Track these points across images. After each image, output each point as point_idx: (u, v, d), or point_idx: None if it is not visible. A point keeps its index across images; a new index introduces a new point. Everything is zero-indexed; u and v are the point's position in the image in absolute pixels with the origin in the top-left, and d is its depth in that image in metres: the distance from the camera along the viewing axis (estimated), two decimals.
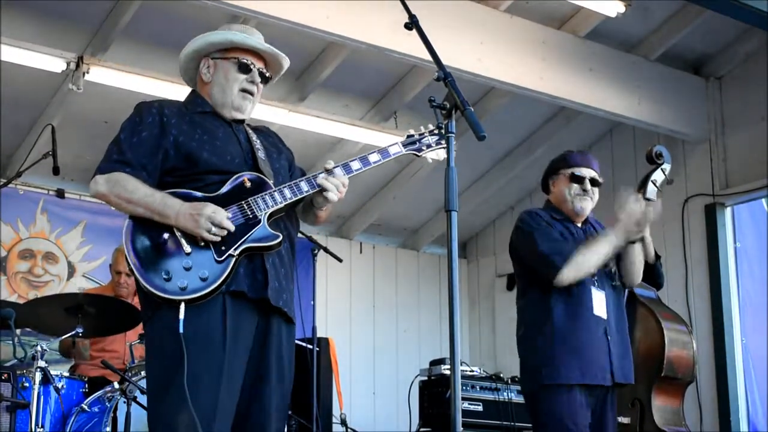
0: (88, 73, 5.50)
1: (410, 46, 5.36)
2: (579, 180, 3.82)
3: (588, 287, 3.68)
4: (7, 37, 5.28)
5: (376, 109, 6.99)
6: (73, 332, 4.47)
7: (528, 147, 7.64)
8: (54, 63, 5.49)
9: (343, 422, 6.09)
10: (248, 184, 2.81)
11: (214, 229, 2.66)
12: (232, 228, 2.69)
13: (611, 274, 3.81)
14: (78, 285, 6.63)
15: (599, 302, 3.70)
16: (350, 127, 6.69)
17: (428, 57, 2.68)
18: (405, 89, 6.76)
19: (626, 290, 4.00)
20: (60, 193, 6.78)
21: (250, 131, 3.00)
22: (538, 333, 3.69)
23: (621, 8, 5.99)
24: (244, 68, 2.95)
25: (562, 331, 3.62)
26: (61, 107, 6.05)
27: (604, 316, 3.69)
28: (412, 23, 2.68)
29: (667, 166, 4.04)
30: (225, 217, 2.68)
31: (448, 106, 2.56)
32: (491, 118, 6.90)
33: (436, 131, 2.98)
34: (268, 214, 2.78)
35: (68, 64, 5.48)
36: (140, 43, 5.93)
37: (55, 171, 4.47)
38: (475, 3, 5.98)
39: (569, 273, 3.61)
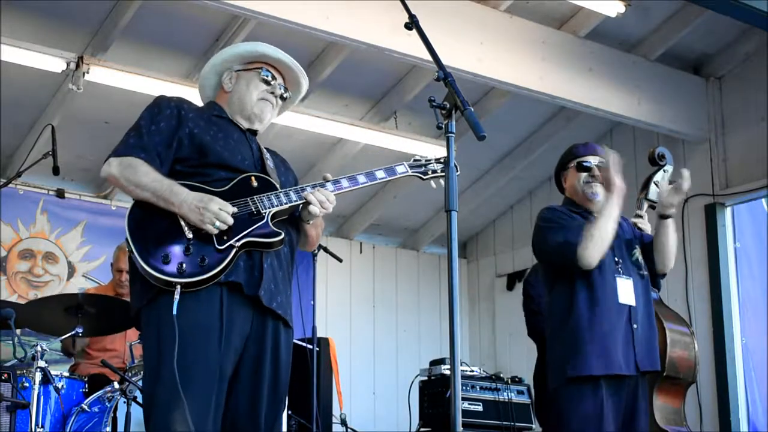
0: (88, 73, 5.50)
1: (410, 46, 5.37)
2: (586, 168, 3.87)
3: (612, 275, 3.70)
4: (7, 37, 5.28)
5: (376, 109, 6.99)
6: (73, 332, 4.47)
7: (528, 147, 7.65)
8: (54, 63, 5.49)
9: (343, 422, 6.09)
10: (255, 183, 2.85)
11: (217, 223, 2.68)
12: (231, 221, 2.71)
13: (638, 263, 3.83)
14: (78, 285, 6.63)
15: (626, 289, 3.71)
16: (350, 127, 6.68)
17: (428, 57, 2.68)
18: (405, 89, 6.76)
19: (658, 280, 4.00)
20: (60, 193, 6.79)
21: (262, 146, 3.06)
22: (562, 327, 3.70)
23: (621, 8, 5.99)
24: (268, 79, 3.02)
25: (585, 322, 3.63)
26: (61, 107, 6.05)
27: (632, 302, 3.70)
28: (412, 23, 2.68)
29: (669, 168, 4.05)
30: (229, 215, 2.70)
31: (448, 106, 2.56)
32: (491, 118, 6.90)
33: (442, 160, 3.03)
34: (272, 213, 2.80)
35: (68, 64, 5.47)
36: (140, 43, 5.93)
37: (55, 171, 4.47)
38: (475, 3, 5.98)
39: (588, 246, 3.61)
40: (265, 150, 3.04)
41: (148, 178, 2.73)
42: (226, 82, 3.04)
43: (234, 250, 2.70)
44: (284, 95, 3.08)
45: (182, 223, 2.70)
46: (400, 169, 3.04)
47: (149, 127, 2.84)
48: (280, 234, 2.79)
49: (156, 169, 2.77)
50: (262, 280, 2.75)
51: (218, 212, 2.68)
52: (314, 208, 2.86)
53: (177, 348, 2.57)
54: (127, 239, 2.71)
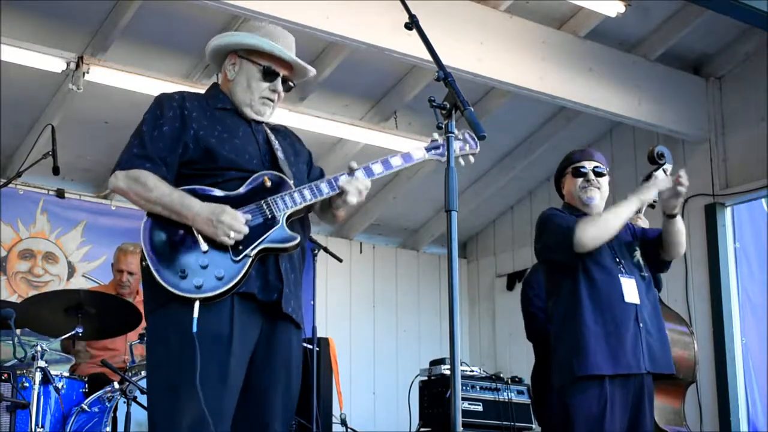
0: (88, 73, 5.50)
1: (410, 46, 5.37)
2: (581, 174, 3.89)
3: (615, 276, 3.72)
4: (7, 37, 5.28)
5: (376, 109, 6.99)
6: (73, 332, 4.47)
7: (528, 147, 7.65)
8: (54, 63, 5.49)
9: (343, 422, 6.08)
10: (268, 184, 2.80)
11: (232, 234, 2.65)
12: (247, 231, 2.68)
13: (639, 264, 3.85)
14: (78, 285, 6.61)
15: (630, 289, 3.73)
16: (350, 127, 6.69)
17: (428, 57, 2.68)
18: (405, 89, 6.76)
19: (659, 280, 4.02)
20: (60, 193, 6.78)
21: (269, 131, 2.98)
22: (568, 326, 3.71)
23: (621, 8, 5.99)
24: (269, 77, 2.93)
25: (590, 321, 3.65)
26: (61, 107, 6.05)
27: (637, 301, 3.72)
28: (412, 23, 2.68)
29: (668, 167, 4.06)
30: (243, 224, 2.68)
31: (448, 106, 2.55)
32: (491, 118, 6.90)
33: (460, 137, 2.98)
34: (287, 215, 2.77)
35: (68, 64, 5.48)
36: (140, 43, 5.93)
37: (55, 171, 4.47)
38: (475, 3, 5.98)
39: (587, 228, 3.64)
40: (273, 137, 2.96)
41: (158, 192, 2.69)
42: (229, 68, 2.96)
43: (250, 260, 2.68)
44: (290, 84, 3.00)
45: (197, 235, 2.67)
46: (417, 154, 2.95)
47: (152, 133, 2.78)
48: (296, 238, 2.76)
49: (163, 177, 2.73)
50: (282, 286, 2.73)
51: (232, 223, 2.65)
52: (352, 198, 2.83)
53: (192, 362, 2.55)
54: (142, 253, 2.69)
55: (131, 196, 2.75)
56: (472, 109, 2.53)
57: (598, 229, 3.67)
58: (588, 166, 3.90)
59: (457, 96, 2.53)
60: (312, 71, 3.04)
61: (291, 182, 2.84)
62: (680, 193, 3.76)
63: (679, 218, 3.84)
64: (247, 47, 2.93)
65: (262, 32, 2.96)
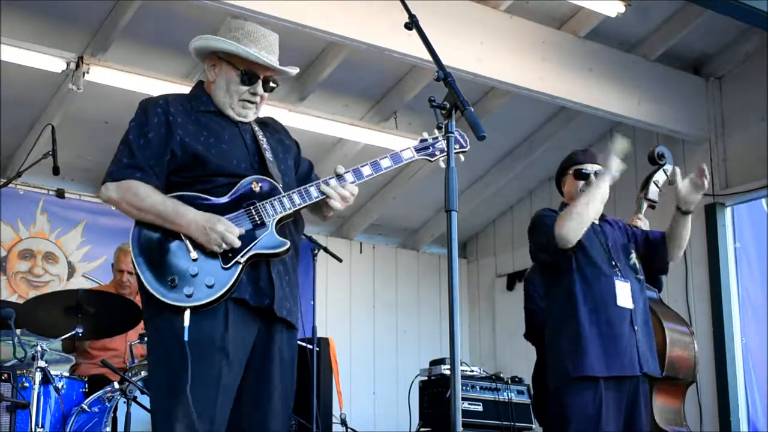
0: (88, 73, 5.51)
1: (410, 46, 5.36)
2: (584, 176, 3.90)
3: (611, 279, 3.74)
4: (7, 37, 5.28)
5: (376, 109, 7.00)
6: (73, 332, 4.47)
7: (528, 147, 7.65)
8: (54, 63, 5.49)
9: (343, 422, 6.08)
10: (257, 189, 2.79)
11: (224, 245, 2.67)
12: (238, 244, 2.69)
13: (635, 267, 3.86)
14: (78, 285, 6.59)
15: (624, 293, 3.74)
16: (350, 127, 6.69)
17: (428, 57, 2.68)
18: (405, 89, 6.76)
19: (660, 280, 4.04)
20: (60, 193, 6.79)
21: (257, 128, 2.96)
22: (563, 328, 3.72)
23: (621, 8, 5.99)
24: (247, 80, 2.91)
25: (586, 323, 3.66)
26: (61, 107, 6.05)
27: (630, 305, 3.73)
28: (412, 23, 2.68)
29: (668, 167, 4.07)
30: (237, 236, 2.69)
31: (448, 106, 2.55)
32: (491, 118, 6.90)
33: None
34: (276, 220, 2.77)
35: (68, 64, 5.48)
36: (140, 43, 5.93)
37: (55, 171, 4.47)
38: (475, 3, 5.98)
39: (564, 223, 3.65)
40: (261, 134, 2.94)
41: (151, 201, 2.70)
42: (209, 71, 2.95)
43: (240, 266, 2.68)
44: (272, 85, 2.96)
45: (187, 243, 2.68)
46: (406, 154, 2.94)
47: (139, 142, 2.78)
48: (286, 244, 2.76)
49: (154, 186, 2.74)
50: (273, 291, 2.73)
51: (224, 234, 2.66)
52: (335, 203, 2.83)
53: (185, 369, 2.56)
54: (133, 263, 2.70)
55: (124, 206, 2.75)
56: (472, 109, 2.53)
57: (574, 219, 3.67)
58: (590, 168, 3.91)
59: (457, 96, 2.53)
60: (293, 72, 3.01)
61: (279, 185, 2.83)
62: (701, 187, 3.77)
63: (690, 218, 3.84)
64: (225, 51, 2.91)
65: (241, 33, 2.93)
